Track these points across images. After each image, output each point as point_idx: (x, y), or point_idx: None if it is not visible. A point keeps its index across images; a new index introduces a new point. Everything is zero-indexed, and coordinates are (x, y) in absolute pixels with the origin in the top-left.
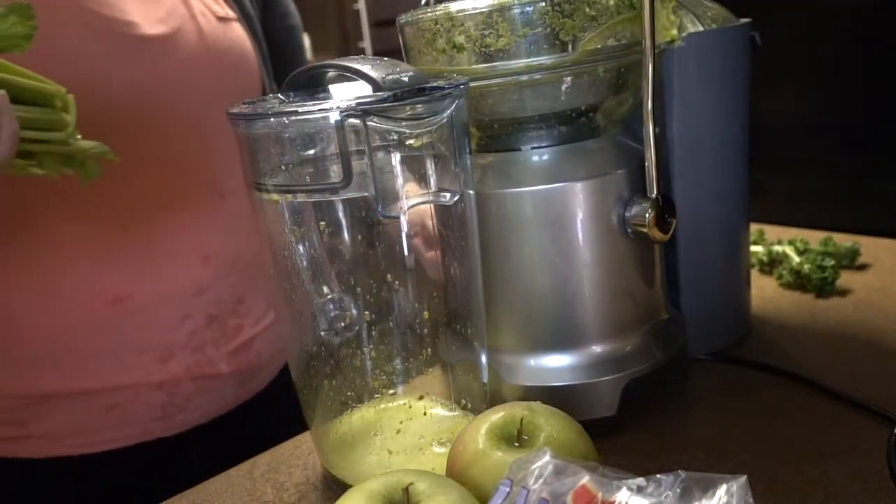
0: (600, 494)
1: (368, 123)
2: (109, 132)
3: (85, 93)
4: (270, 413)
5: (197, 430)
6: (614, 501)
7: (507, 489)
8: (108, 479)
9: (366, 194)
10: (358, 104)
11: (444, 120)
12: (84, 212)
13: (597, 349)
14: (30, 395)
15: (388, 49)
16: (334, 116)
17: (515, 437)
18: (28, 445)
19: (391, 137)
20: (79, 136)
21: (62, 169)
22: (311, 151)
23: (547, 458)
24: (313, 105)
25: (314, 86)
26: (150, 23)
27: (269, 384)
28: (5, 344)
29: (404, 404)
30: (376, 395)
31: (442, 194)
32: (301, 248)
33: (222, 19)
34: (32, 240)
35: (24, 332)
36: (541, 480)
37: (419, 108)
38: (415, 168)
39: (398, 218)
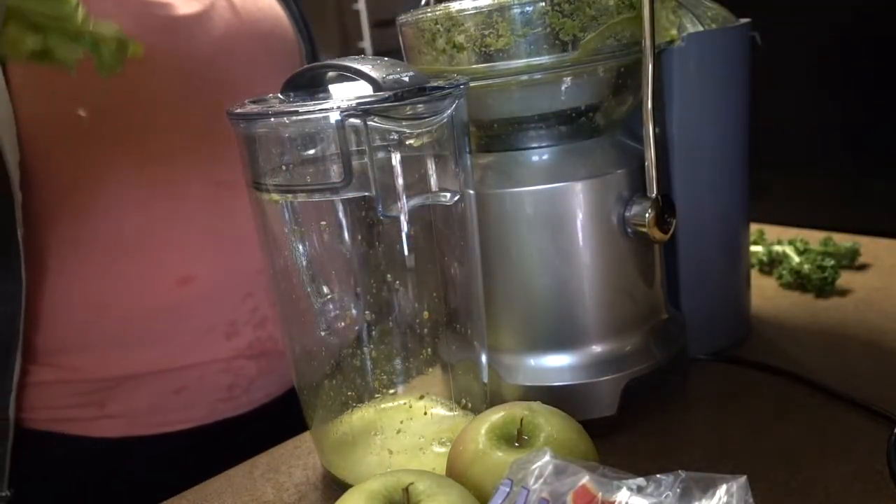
0: (600, 494)
1: (369, 123)
2: (156, 111)
3: (128, 76)
4: None
5: (260, 409)
6: (614, 501)
7: (508, 489)
8: (177, 458)
9: (366, 194)
10: (359, 104)
11: (445, 120)
12: (153, 194)
13: (597, 349)
14: (108, 377)
15: (387, 49)
16: (335, 116)
17: (515, 437)
18: (104, 425)
19: (391, 137)
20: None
21: (74, 48)
22: (312, 151)
23: (547, 457)
24: (314, 105)
25: (314, 86)
26: (184, 2)
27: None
28: (86, 328)
29: (404, 404)
30: (376, 395)
31: (442, 194)
32: (301, 247)
33: None
34: (107, 225)
35: (102, 316)
36: (541, 480)
37: (420, 107)
38: (415, 168)
39: (398, 218)
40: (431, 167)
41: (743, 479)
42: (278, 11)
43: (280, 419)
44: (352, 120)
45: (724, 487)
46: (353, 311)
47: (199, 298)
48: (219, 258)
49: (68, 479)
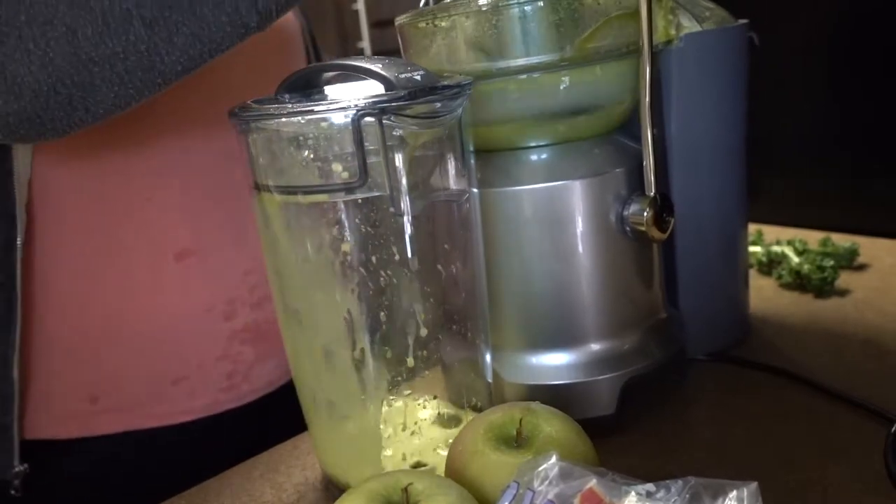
0: (608, 498)
1: (384, 122)
2: (167, 98)
3: None
4: None
5: (263, 400)
6: None
7: (514, 491)
8: (181, 453)
9: (378, 194)
10: (374, 102)
11: (456, 118)
12: (155, 167)
13: (595, 348)
14: (102, 370)
15: (387, 49)
16: (350, 115)
17: (514, 437)
18: (103, 421)
19: (395, 134)
20: None
21: None
22: (319, 152)
23: (553, 460)
24: (328, 104)
25: (309, 88)
26: None
27: None
28: (84, 311)
29: (405, 404)
30: (377, 395)
31: (450, 192)
32: (302, 248)
33: None
34: (111, 196)
35: (98, 291)
36: (546, 482)
37: (436, 106)
38: (420, 167)
39: (405, 217)
40: (438, 166)
41: (754, 485)
42: (296, 30)
43: (284, 409)
44: (367, 118)
45: (734, 493)
46: (354, 312)
47: (197, 274)
48: (219, 232)
49: (75, 486)
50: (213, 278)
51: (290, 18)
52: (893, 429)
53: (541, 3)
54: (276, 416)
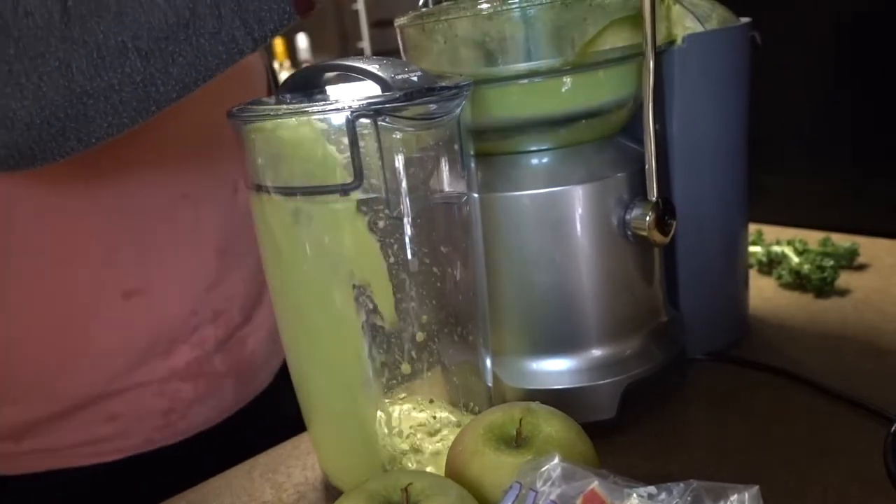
0: (609, 500)
1: (380, 123)
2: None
3: None
4: (270, 417)
5: (199, 437)
6: None
7: (517, 492)
8: (110, 491)
9: (375, 195)
10: (369, 104)
11: (453, 120)
12: (104, 203)
13: (597, 352)
14: (31, 411)
15: (386, 49)
16: (345, 116)
17: (514, 438)
18: (26, 461)
19: (395, 137)
20: None
21: None
22: (316, 153)
23: (556, 461)
24: (324, 105)
25: (309, 87)
26: None
27: (268, 387)
28: (22, 343)
29: (403, 407)
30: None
31: (448, 195)
32: (300, 249)
33: None
34: (50, 236)
35: (40, 326)
36: (549, 483)
37: (432, 107)
38: (420, 169)
39: (402, 219)
40: (437, 168)
41: (755, 489)
42: (258, 57)
43: (221, 447)
44: (362, 120)
45: (735, 497)
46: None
47: (142, 314)
48: (169, 271)
49: None
50: (158, 318)
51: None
52: (893, 428)
53: (543, 7)
54: (213, 453)
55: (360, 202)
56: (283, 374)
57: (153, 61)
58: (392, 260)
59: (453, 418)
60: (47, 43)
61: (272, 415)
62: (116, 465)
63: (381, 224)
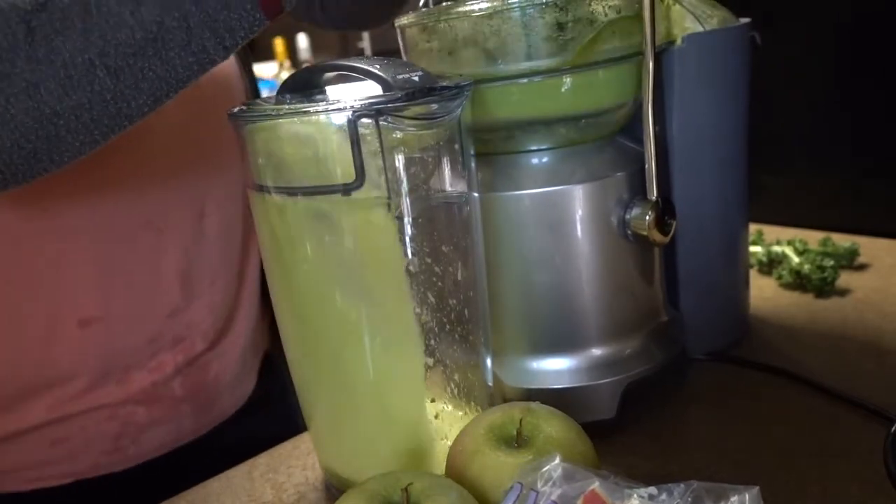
0: (610, 501)
1: (381, 123)
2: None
3: None
4: (236, 444)
5: (150, 464)
6: None
7: (518, 492)
8: None
9: (376, 195)
10: (371, 103)
11: (454, 119)
12: (62, 231)
13: (596, 352)
14: None
15: (387, 50)
16: (347, 116)
17: (514, 438)
18: None
19: (395, 136)
20: None
21: None
22: (317, 153)
23: (556, 461)
24: (325, 105)
25: (310, 88)
26: None
27: (236, 413)
28: None
29: (405, 405)
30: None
31: (449, 195)
32: (301, 249)
33: None
34: (4, 262)
35: None
36: (550, 483)
37: (433, 107)
38: (420, 169)
39: (403, 219)
40: (438, 168)
41: (755, 490)
42: (234, 66)
43: (173, 475)
44: (364, 119)
45: (735, 498)
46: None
47: (99, 343)
48: (128, 300)
49: None
50: (115, 346)
51: (236, 75)
52: (893, 429)
53: (543, 7)
54: (166, 480)
55: (362, 202)
56: (257, 399)
57: (122, 78)
58: (392, 260)
59: (453, 417)
60: (13, 64)
61: (238, 442)
62: (61, 490)
63: (382, 223)
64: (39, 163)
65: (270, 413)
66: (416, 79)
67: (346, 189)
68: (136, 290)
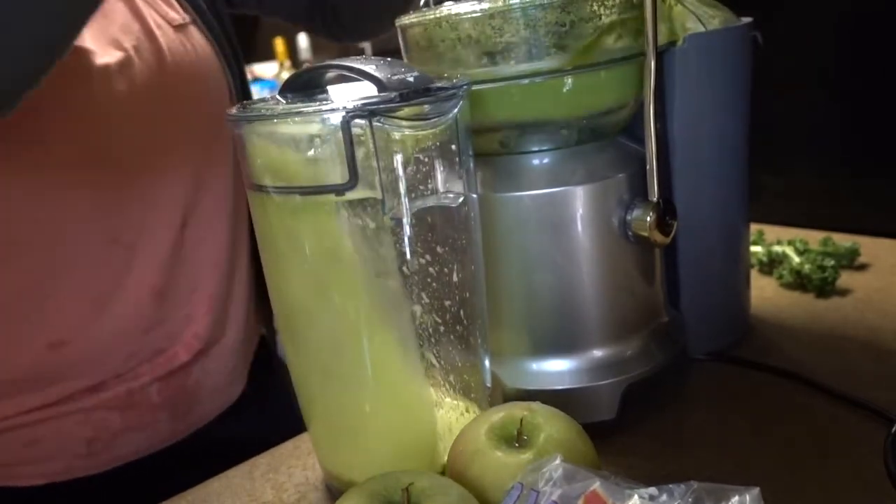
0: (611, 501)
1: (374, 124)
2: (64, 165)
3: (43, 124)
4: (216, 448)
5: (124, 469)
6: None
7: (518, 492)
8: None
9: (371, 196)
10: (364, 104)
11: (450, 121)
12: (35, 251)
13: (597, 352)
14: None
15: (387, 50)
16: (341, 117)
17: (515, 438)
18: None
19: (394, 137)
20: None
21: None
22: (313, 153)
23: (557, 461)
24: (319, 105)
25: (312, 87)
26: (102, 45)
27: (219, 417)
28: None
29: (404, 405)
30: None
31: (446, 196)
32: (300, 249)
33: (180, 27)
34: None
35: None
36: (550, 483)
37: (426, 108)
38: (418, 170)
39: (401, 221)
40: (435, 169)
41: (756, 490)
42: (207, 51)
43: (147, 479)
44: (357, 120)
45: (736, 498)
46: (352, 314)
47: (70, 362)
48: (99, 321)
49: None
50: (87, 365)
51: (219, 77)
52: (893, 429)
53: (544, 8)
54: (140, 484)
55: (357, 202)
56: (245, 401)
57: None
58: (389, 260)
59: (454, 417)
60: None
61: (221, 445)
62: (32, 491)
63: (378, 224)
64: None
65: (262, 414)
66: (412, 79)
67: (341, 189)
68: (103, 311)
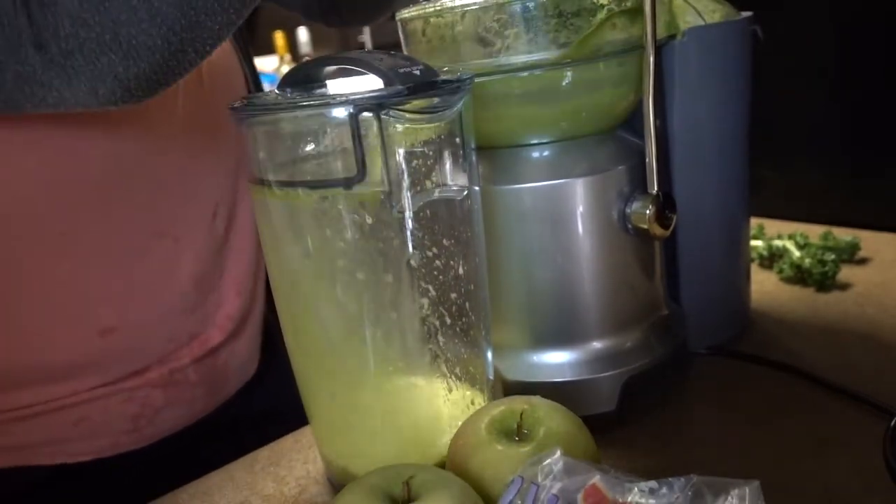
0: (611, 495)
1: (382, 117)
2: (105, 160)
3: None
4: (241, 419)
5: (165, 442)
6: (625, 502)
7: (518, 485)
8: (73, 492)
9: (377, 189)
10: (372, 97)
11: (454, 114)
12: (84, 243)
13: (597, 345)
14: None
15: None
16: (348, 110)
17: (515, 431)
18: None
19: (396, 130)
20: None
21: None
22: (318, 147)
23: (557, 455)
24: (326, 98)
25: (311, 82)
26: None
27: (236, 394)
28: None
29: (406, 399)
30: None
31: (450, 189)
32: (303, 243)
33: None
34: (30, 273)
35: (12, 359)
36: (550, 477)
37: (434, 101)
38: (421, 163)
39: (405, 214)
40: (439, 162)
41: (756, 483)
42: (227, 45)
43: (188, 452)
44: (365, 113)
45: (735, 491)
46: (355, 308)
47: (119, 348)
48: (146, 308)
49: None
50: (134, 350)
51: (240, 76)
52: (893, 422)
53: (544, 0)
54: (182, 458)
55: (363, 195)
56: (259, 375)
57: None
58: (393, 254)
59: (455, 412)
60: None
61: (242, 416)
62: (81, 467)
63: (381, 218)
64: (186, 56)
65: (271, 387)
66: (418, 73)
67: (348, 183)
68: (151, 298)
